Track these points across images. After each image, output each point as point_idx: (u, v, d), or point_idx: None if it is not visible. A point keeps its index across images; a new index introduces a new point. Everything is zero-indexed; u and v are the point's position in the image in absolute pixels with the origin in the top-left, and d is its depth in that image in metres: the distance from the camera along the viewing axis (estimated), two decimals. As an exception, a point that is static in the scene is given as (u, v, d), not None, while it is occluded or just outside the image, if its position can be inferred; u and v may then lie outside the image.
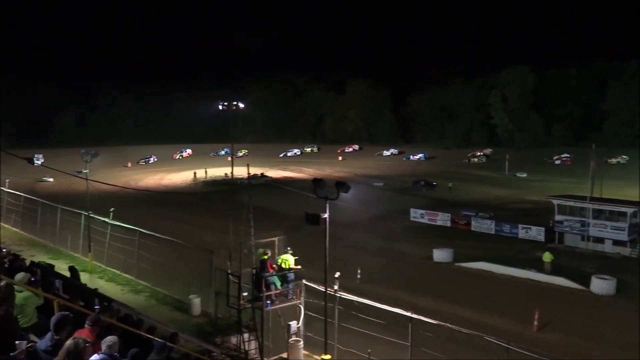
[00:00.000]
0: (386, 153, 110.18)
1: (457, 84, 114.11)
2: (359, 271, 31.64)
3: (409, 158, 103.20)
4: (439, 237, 43.89)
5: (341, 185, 17.87)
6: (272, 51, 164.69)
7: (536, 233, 44.31)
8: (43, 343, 6.90)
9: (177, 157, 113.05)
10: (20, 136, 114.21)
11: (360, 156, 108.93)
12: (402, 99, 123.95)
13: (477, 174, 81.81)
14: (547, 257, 36.17)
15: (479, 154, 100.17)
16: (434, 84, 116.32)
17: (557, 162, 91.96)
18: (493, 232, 46.85)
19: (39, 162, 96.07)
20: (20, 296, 8.79)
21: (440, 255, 39.18)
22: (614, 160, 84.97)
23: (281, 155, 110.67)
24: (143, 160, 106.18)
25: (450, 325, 18.17)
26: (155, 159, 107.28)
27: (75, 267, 21.19)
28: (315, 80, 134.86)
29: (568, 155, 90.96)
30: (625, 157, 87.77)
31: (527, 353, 16.78)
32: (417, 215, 52.31)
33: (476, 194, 65.74)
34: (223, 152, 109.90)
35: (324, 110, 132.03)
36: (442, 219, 50.60)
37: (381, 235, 45.64)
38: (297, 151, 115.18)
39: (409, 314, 18.50)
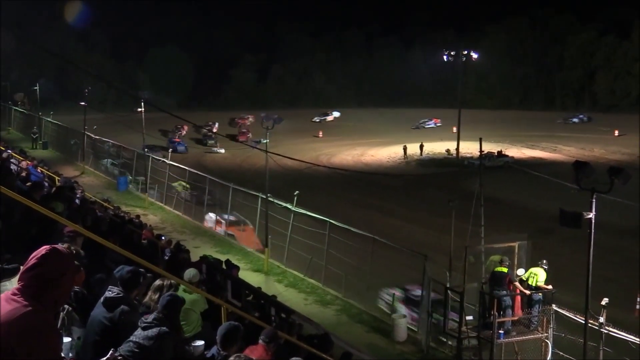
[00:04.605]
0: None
1: None
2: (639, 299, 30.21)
3: None
4: None
5: (617, 172, 17.24)
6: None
7: None
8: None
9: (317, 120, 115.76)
10: (190, 95, 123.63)
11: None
12: None
13: None
14: None
15: None
16: None
17: None
18: None
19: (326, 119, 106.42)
20: (187, 299, 9.14)
21: None
22: None
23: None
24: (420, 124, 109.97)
25: None
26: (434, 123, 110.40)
27: (233, 262, 22.36)
28: (583, 19, 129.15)
29: None
30: None
31: None
32: None
33: None
34: (432, 124, 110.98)
35: (596, 63, 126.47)
36: None
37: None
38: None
39: None
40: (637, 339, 19.26)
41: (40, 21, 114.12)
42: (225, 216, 39.44)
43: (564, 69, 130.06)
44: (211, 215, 41.14)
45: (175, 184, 46.60)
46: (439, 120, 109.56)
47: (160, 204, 44.96)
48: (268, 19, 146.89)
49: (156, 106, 79.09)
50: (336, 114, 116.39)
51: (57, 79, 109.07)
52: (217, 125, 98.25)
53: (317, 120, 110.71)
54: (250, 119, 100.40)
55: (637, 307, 29.06)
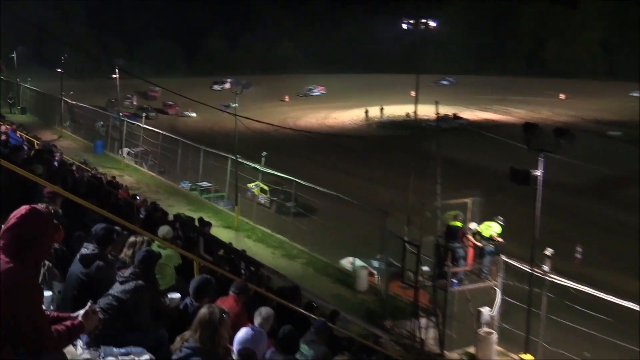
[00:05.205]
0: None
1: None
2: (579, 249, 30.72)
3: None
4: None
5: (563, 133, 17.45)
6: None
7: None
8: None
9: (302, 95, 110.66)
10: (163, 61, 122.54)
11: (594, 94, 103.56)
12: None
13: None
14: None
15: None
16: None
17: None
18: None
19: (223, 87, 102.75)
20: (162, 254, 9.04)
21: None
22: None
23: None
24: (303, 93, 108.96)
25: None
26: (323, 92, 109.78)
27: (206, 219, 22.34)
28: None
29: None
30: None
31: None
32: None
33: None
34: (317, 92, 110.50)
35: (546, 31, 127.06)
36: None
37: (616, 204, 43.77)
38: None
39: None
40: (577, 285, 19.69)
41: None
42: None
43: (516, 36, 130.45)
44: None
45: (251, 185, 37.56)
46: (322, 87, 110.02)
47: (136, 166, 44.70)
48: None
49: (130, 73, 78.68)
50: (321, 90, 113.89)
51: (35, 46, 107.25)
52: (135, 98, 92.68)
53: (302, 95, 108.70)
54: (158, 89, 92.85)
55: (577, 255, 29.68)
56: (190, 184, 39.38)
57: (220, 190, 38.12)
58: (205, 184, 38.99)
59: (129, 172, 42.67)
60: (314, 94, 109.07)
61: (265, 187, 37.33)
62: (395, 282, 23.42)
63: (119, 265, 7.61)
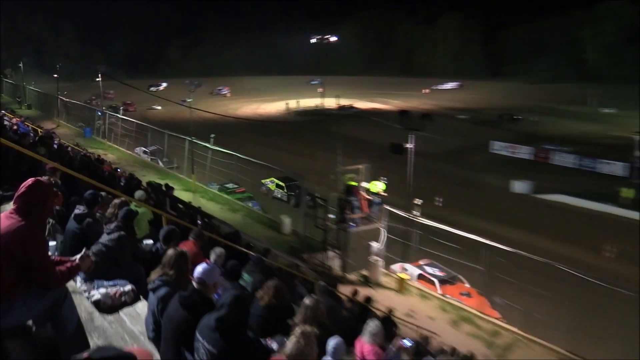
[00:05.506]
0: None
1: (549, 19, 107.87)
2: (439, 199, 31.53)
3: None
4: (519, 170, 42.77)
5: (427, 117, 17.86)
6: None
7: (616, 168, 42.47)
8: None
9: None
10: (132, 68, 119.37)
11: (448, 88, 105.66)
12: (492, 34, 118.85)
13: (564, 109, 77.89)
14: (626, 192, 34.73)
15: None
16: (525, 19, 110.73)
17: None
18: (574, 166, 45.23)
19: (158, 88, 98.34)
20: (138, 211, 9.13)
21: (519, 186, 38.47)
22: None
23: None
24: (215, 92, 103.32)
25: (524, 253, 18.05)
26: (228, 91, 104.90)
27: (171, 185, 22.03)
28: (407, 12, 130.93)
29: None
30: None
31: (600, 282, 16.59)
32: (499, 147, 51.09)
33: (559, 128, 62.85)
34: (225, 91, 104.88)
35: (414, 43, 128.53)
36: (524, 152, 49.25)
37: (463, 166, 45.06)
38: None
39: (483, 240, 18.59)
40: (437, 224, 20.30)
41: (22, 14, 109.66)
42: None
43: (394, 47, 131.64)
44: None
45: (266, 181, 34.47)
46: (228, 87, 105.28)
47: (117, 146, 43.40)
48: (191, 9, 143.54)
49: (109, 75, 76.65)
50: (227, 90, 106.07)
51: (37, 57, 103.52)
52: (113, 92, 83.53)
53: (215, 94, 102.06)
54: (112, 92, 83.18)
55: (437, 204, 30.39)
56: (218, 186, 32.81)
57: (247, 190, 32.55)
58: (231, 185, 32.69)
59: (111, 151, 41.40)
60: (222, 93, 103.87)
61: (281, 183, 33.19)
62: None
63: (105, 220, 7.49)
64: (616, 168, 42.55)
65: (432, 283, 20.27)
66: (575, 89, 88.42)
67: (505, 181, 39.47)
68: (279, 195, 33.61)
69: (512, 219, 30.97)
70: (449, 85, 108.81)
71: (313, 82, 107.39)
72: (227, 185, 32.59)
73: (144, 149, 40.77)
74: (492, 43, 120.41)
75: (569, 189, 36.75)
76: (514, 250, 18.18)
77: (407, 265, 21.23)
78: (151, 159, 39.69)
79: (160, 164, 38.20)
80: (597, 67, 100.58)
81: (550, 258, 18.25)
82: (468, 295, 19.57)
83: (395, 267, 21.44)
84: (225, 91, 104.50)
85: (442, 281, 20.30)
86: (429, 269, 20.93)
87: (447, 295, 19.68)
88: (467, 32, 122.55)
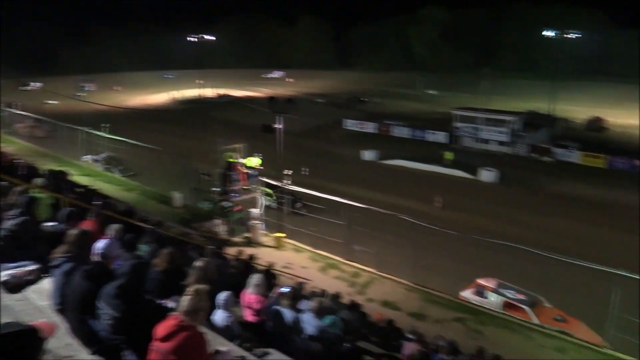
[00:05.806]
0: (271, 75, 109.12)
1: (387, 20, 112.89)
2: (305, 169, 32.01)
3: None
4: (367, 142, 44.52)
5: (290, 101, 17.98)
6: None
7: (440, 137, 45.65)
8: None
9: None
10: (24, 66, 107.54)
11: (308, 78, 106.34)
12: (341, 32, 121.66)
13: (399, 92, 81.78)
14: (448, 155, 37.50)
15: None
16: (367, 20, 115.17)
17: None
18: (408, 136, 47.96)
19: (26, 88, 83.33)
20: (40, 196, 8.82)
21: (367, 155, 40.18)
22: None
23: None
24: (79, 88, 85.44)
25: (374, 208, 19.06)
26: (93, 88, 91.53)
27: (65, 171, 20.44)
28: (273, 16, 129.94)
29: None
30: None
31: (432, 226, 17.97)
32: (350, 124, 52.74)
33: (397, 107, 66.02)
34: (90, 87, 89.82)
35: (279, 40, 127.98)
36: (370, 127, 51.25)
37: (322, 141, 46.10)
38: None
39: (342, 200, 19.30)
40: (304, 190, 20.72)
41: None
42: None
43: (260, 44, 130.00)
44: None
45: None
46: (93, 83, 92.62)
47: (16, 139, 39.33)
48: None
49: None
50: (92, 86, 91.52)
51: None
52: None
53: (80, 89, 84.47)
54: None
55: (303, 173, 30.85)
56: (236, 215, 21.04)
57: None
58: (227, 203, 21.54)
59: (9, 144, 37.51)
60: (86, 89, 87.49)
61: (269, 191, 23.62)
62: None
63: (7, 207, 6.88)
64: (440, 137, 45.77)
65: (520, 310, 15.36)
66: (407, 76, 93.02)
67: (356, 151, 41.08)
68: (269, 204, 23.71)
69: (364, 181, 32.37)
70: (276, 75, 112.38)
71: (166, 76, 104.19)
72: (225, 204, 21.43)
73: (93, 157, 32.40)
74: (341, 39, 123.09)
75: (406, 155, 39.05)
76: (367, 206, 19.07)
77: (489, 294, 16.27)
78: (105, 168, 31.63)
79: (117, 173, 31.15)
80: (422, 58, 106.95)
81: (394, 210, 19.39)
82: (562, 320, 15.00)
83: (466, 293, 16.89)
84: (89, 87, 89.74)
85: (531, 305, 15.52)
86: (508, 294, 15.98)
87: (546, 325, 14.73)
88: (320, 31, 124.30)
